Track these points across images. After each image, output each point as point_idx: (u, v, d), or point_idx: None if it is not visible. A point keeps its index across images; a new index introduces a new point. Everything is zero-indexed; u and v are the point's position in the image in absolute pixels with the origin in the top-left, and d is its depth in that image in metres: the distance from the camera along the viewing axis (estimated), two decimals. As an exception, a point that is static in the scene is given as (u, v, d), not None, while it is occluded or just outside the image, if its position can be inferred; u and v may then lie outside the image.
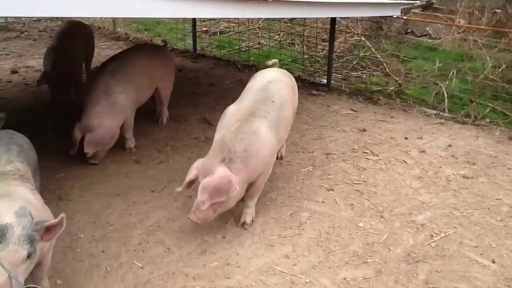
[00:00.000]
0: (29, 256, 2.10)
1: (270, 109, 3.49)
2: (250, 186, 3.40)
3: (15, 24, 11.12)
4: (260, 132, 3.32)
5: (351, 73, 7.30)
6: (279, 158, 4.38)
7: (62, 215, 2.23)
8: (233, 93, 6.33)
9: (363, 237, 3.42)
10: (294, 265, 3.13)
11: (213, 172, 3.08)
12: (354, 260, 3.19)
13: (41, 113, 5.61)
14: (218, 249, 3.29)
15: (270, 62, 4.47)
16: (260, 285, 2.94)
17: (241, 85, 6.70)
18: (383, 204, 3.83)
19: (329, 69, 6.70)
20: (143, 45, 6.94)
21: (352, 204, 3.83)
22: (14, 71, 7.43)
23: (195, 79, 7.03)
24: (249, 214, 3.53)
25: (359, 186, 4.10)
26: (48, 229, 2.21)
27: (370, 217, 3.66)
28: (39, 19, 11.43)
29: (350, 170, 4.37)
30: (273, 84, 3.73)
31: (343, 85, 6.77)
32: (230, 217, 3.60)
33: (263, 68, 7.39)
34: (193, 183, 3.27)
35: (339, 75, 7.18)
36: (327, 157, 4.62)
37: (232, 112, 3.52)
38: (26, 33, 10.43)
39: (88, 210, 3.68)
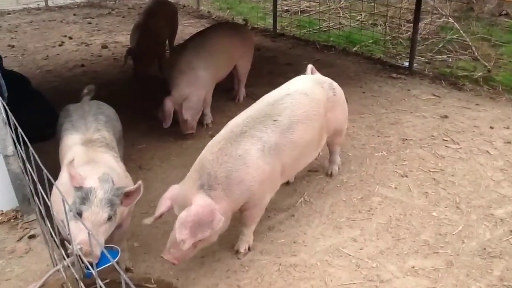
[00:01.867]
0: (109, 218, 2.25)
1: (269, 129, 2.85)
2: (241, 214, 2.98)
3: (107, 2, 11.74)
4: (247, 156, 2.71)
5: (436, 56, 6.95)
6: (329, 174, 3.91)
7: (140, 182, 2.38)
8: (310, 73, 6.32)
9: (436, 227, 3.32)
10: (361, 249, 3.11)
11: (191, 202, 2.53)
12: (424, 249, 3.11)
13: (127, 87, 5.94)
14: (286, 226, 3.35)
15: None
16: (325, 265, 2.97)
17: (319, 66, 6.67)
18: (461, 194, 3.67)
19: (412, 52, 6.43)
20: (223, 23, 7.07)
21: (426, 193, 3.71)
22: (104, 46, 7.89)
23: (273, 59, 7.05)
24: (244, 242, 3.06)
25: (435, 174, 3.96)
26: (127, 195, 2.37)
27: (445, 207, 3.53)
28: (129, -3, 11.98)
29: (427, 158, 4.22)
30: (289, 98, 3.04)
31: (426, 69, 6.47)
32: (300, 197, 3.64)
33: (342, 49, 7.33)
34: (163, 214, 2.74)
35: (423, 58, 6.87)
36: (403, 143, 4.49)
37: (223, 129, 2.95)
38: (116, 10, 10.99)
39: (165, 180, 3.87)
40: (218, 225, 2.55)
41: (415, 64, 6.48)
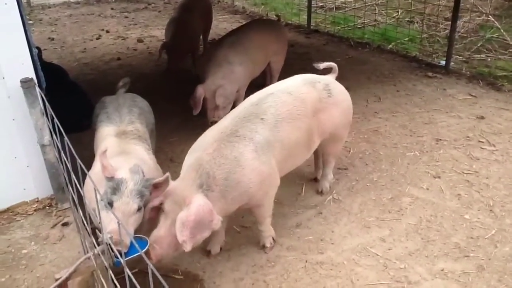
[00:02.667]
0: (139, 209, 2.31)
1: (258, 127, 2.76)
2: (251, 212, 2.98)
3: (144, -4, 11.94)
4: (241, 158, 2.64)
5: (474, 55, 6.77)
6: (320, 192, 3.69)
7: (167, 174, 2.42)
8: (343, 71, 6.22)
9: (468, 230, 3.24)
10: (389, 249, 3.08)
11: (189, 201, 2.40)
12: (455, 252, 3.05)
13: (160, 80, 6.03)
14: (313, 224, 3.34)
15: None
16: (352, 264, 2.95)
17: (353, 63, 6.64)
18: (495, 198, 3.58)
19: (449, 50, 6.27)
20: (259, 20, 7.08)
21: (459, 195, 3.63)
22: (140, 40, 8.03)
23: (306, 55, 7.02)
24: (266, 237, 3.07)
25: (469, 176, 3.86)
26: (156, 186, 2.41)
27: (478, 210, 3.45)
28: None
29: (461, 159, 4.12)
30: (272, 97, 2.95)
31: (464, 68, 6.31)
32: (329, 195, 3.62)
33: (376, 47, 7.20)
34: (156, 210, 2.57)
35: (460, 57, 6.69)
36: (437, 143, 4.40)
37: (207, 133, 2.86)
38: (152, 4, 11.16)
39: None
40: (217, 225, 2.46)
41: (452, 63, 6.32)
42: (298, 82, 3.16)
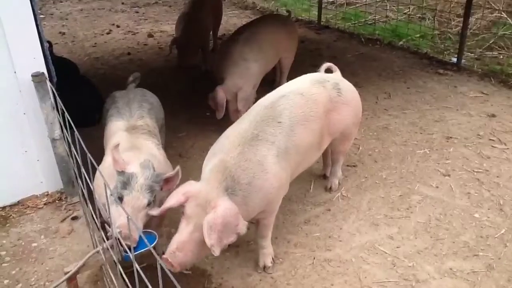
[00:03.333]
0: (149, 204, 2.31)
1: (277, 132, 2.69)
2: (257, 225, 2.87)
3: (154, -9, 11.95)
4: (265, 162, 2.57)
5: (486, 52, 6.69)
6: (328, 189, 3.67)
7: (178, 167, 2.43)
8: (353, 67, 6.24)
9: (477, 229, 3.22)
10: (397, 247, 3.06)
11: (215, 204, 2.31)
12: (464, 251, 3.03)
13: (170, 75, 6.05)
14: (322, 221, 3.33)
15: None
16: (359, 262, 2.94)
17: (363, 59, 6.61)
18: (505, 197, 3.55)
19: (461, 47, 6.21)
20: (271, 15, 7.05)
21: (469, 193, 3.60)
22: (150, 35, 8.05)
23: (317, 51, 6.99)
24: (267, 255, 2.91)
25: (479, 175, 3.83)
26: (167, 180, 2.42)
27: (488, 209, 3.42)
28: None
29: (471, 157, 4.09)
30: (284, 99, 2.85)
31: (475, 65, 6.24)
32: (337, 192, 3.62)
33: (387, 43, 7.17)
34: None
35: (472, 54, 6.63)
36: (447, 141, 4.36)
37: (228, 135, 2.73)
38: (163, 0, 11.16)
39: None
40: (243, 230, 2.36)
41: (463, 60, 6.26)
42: (308, 82, 3.08)
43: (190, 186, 2.41)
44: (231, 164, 2.49)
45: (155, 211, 2.34)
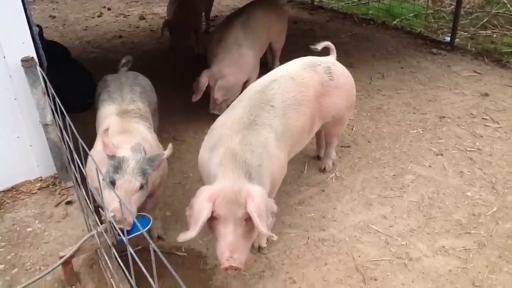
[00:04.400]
0: (141, 187, 2.31)
1: (272, 115, 2.69)
2: None
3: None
4: (267, 144, 2.57)
5: (480, 31, 6.67)
6: (322, 170, 3.67)
7: (170, 145, 2.44)
8: (347, 47, 6.20)
9: (469, 207, 3.25)
10: (391, 226, 3.10)
11: (247, 193, 2.23)
12: (456, 229, 3.06)
13: (163, 58, 6.00)
14: (316, 201, 3.36)
15: None
16: (353, 241, 2.97)
17: (357, 40, 6.57)
18: (497, 175, 3.58)
19: (455, 26, 6.18)
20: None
21: (461, 172, 3.63)
22: (142, 18, 7.96)
23: (310, 32, 6.95)
24: (264, 237, 2.89)
25: (472, 153, 3.86)
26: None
27: (480, 188, 3.45)
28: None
29: (464, 136, 4.11)
30: (275, 84, 2.85)
31: (469, 44, 6.23)
32: (331, 172, 3.63)
33: (381, 23, 7.12)
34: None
35: (465, 33, 6.61)
36: (440, 121, 4.38)
37: (224, 123, 2.65)
38: (154, -19, 11.01)
39: (198, 152, 3.92)
40: (275, 208, 2.34)
41: (457, 39, 6.24)
42: (299, 66, 3.06)
43: (209, 190, 2.29)
44: (239, 150, 2.44)
45: (183, 237, 2.20)
